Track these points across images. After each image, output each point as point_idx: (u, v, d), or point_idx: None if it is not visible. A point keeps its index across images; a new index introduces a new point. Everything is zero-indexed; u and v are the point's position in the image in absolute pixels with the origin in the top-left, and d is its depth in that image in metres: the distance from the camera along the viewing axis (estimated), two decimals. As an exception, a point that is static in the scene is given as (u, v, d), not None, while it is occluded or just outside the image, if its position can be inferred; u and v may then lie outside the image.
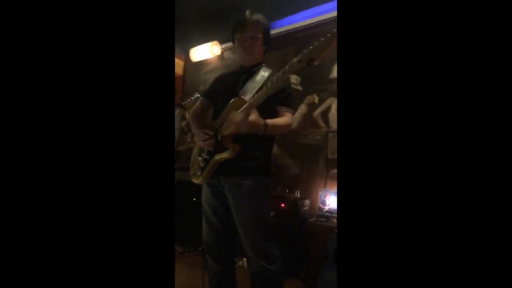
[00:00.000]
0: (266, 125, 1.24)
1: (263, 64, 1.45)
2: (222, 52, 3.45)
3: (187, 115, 3.64)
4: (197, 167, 1.44)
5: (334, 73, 2.56)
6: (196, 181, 1.45)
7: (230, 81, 1.46)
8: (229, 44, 3.37)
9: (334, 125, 2.55)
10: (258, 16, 1.37)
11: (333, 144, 2.53)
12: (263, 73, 1.38)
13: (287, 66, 1.07)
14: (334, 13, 2.55)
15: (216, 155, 1.33)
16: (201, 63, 3.62)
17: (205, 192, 1.45)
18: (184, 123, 3.66)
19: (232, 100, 1.31)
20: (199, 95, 3.45)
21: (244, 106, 1.21)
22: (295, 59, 1.05)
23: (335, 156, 2.50)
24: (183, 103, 2.93)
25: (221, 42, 3.39)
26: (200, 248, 2.55)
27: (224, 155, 1.29)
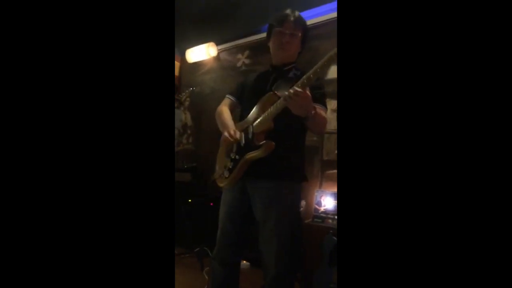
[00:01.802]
0: (315, 107, 1.13)
1: (295, 64, 1.39)
2: (218, 54, 3.44)
3: (183, 116, 3.63)
4: (224, 169, 1.35)
5: (330, 74, 2.57)
6: (221, 184, 1.36)
7: (259, 80, 1.40)
8: (225, 45, 3.37)
9: (329, 126, 2.56)
10: (299, 15, 1.33)
11: (328, 145, 2.54)
12: (296, 72, 1.34)
13: (327, 56, 1.04)
14: (334, 14, 2.53)
15: (247, 154, 1.23)
16: (197, 64, 3.61)
17: (226, 195, 1.38)
18: (180, 124, 3.64)
19: (265, 95, 1.25)
20: (193, 88, 3.43)
21: (300, 81, 1.09)
22: (334, 50, 1.00)
23: (331, 157, 2.51)
24: (178, 97, 2.93)
25: (217, 44, 3.38)
26: (196, 250, 2.54)
27: (256, 153, 1.20)
